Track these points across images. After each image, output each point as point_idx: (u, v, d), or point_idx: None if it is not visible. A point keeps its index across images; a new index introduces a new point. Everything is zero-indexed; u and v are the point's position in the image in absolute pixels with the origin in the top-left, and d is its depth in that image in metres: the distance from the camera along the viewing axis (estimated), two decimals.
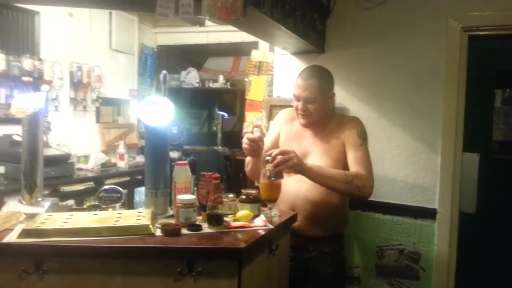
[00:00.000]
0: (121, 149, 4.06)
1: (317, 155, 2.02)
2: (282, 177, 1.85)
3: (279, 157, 1.79)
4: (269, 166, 1.82)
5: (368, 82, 2.69)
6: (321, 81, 2.01)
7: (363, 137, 2.02)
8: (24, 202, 1.73)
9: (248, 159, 2.15)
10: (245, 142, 1.97)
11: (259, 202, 1.81)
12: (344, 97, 2.74)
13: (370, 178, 1.93)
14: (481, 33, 2.45)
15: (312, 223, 1.99)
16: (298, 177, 1.97)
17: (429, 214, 2.52)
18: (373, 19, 2.66)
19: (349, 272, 2.69)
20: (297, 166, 1.83)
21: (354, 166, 1.94)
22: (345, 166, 1.98)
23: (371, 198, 2.61)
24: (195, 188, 1.78)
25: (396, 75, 2.61)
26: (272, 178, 1.82)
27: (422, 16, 2.53)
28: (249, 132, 3.54)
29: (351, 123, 2.06)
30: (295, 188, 2.01)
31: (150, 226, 1.50)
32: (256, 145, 1.94)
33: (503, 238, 2.45)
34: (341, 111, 2.69)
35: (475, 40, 2.46)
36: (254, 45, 3.88)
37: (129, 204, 3.61)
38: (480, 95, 2.48)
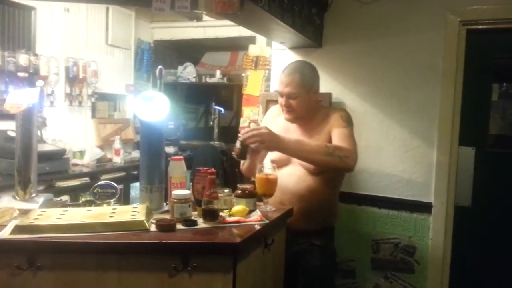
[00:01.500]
0: (117, 144, 4.05)
1: None
2: (245, 158, 1.86)
3: (249, 133, 1.81)
4: (238, 144, 1.83)
5: (365, 76, 2.68)
6: (302, 76, 2.00)
7: (347, 121, 2.03)
8: (18, 198, 1.72)
9: (245, 167, 2.15)
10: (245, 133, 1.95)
11: (254, 197, 1.81)
12: (341, 92, 2.73)
13: (353, 151, 1.92)
14: (480, 27, 2.44)
15: (301, 217, 1.98)
16: (287, 172, 1.97)
17: (424, 207, 2.52)
18: (371, 14, 2.65)
19: (344, 266, 2.70)
20: (271, 142, 1.83)
21: (337, 142, 1.94)
22: None
23: (367, 192, 2.65)
24: (190, 183, 1.78)
25: (394, 70, 2.60)
26: (234, 155, 1.83)
27: (420, 10, 2.52)
28: (246, 127, 3.54)
29: (336, 112, 2.07)
30: (284, 183, 1.99)
31: (145, 222, 1.50)
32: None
33: (498, 232, 2.45)
34: (338, 106, 2.68)
35: (474, 34, 2.45)
36: (251, 40, 3.87)
37: (125, 199, 3.65)
38: (477, 89, 2.48)
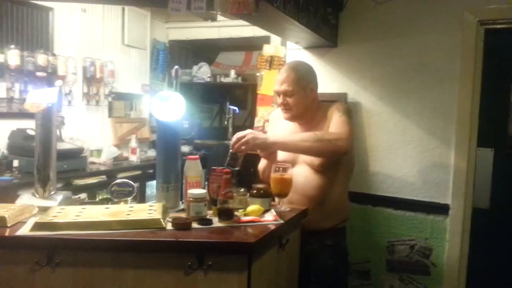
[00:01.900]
0: (133, 143, 4.10)
1: None
2: (238, 165, 1.84)
3: (236, 141, 1.82)
4: (229, 154, 1.84)
5: (381, 76, 2.66)
6: (297, 74, 2.01)
7: (343, 111, 2.02)
8: (37, 196, 1.76)
9: (262, 165, 2.16)
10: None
11: (269, 197, 1.81)
12: (357, 92, 2.71)
13: (344, 134, 1.91)
14: (498, 26, 2.40)
15: (311, 218, 1.97)
16: (294, 172, 1.97)
17: (441, 209, 2.49)
18: (386, 13, 2.63)
19: (359, 267, 2.68)
20: (258, 145, 1.85)
21: (334, 130, 1.95)
22: None
23: (382, 193, 2.63)
24: (206, 182, 1.79)
25: (410, 70, 2.57)
26: (227, 164, 1.81)
27: (437, 9, 2.49)
28: (260, 127, 3.54)
29: (333, 105, 2.07)
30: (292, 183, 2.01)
31: (161, 220, 1.51)
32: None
33: None
34: (354, 106, 2.67)
35: (492, 34, 2.41)
36: (266, 40, 3.86)
37: (141, 197, 3.69)
38: (496, 90, 2.44)
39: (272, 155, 2.05)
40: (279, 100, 2.06)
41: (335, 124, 1.97)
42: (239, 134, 1.85)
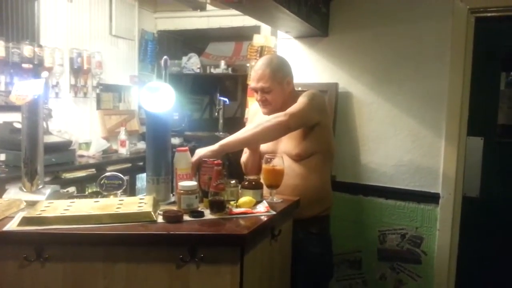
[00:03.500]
0: (122, 135, 4.05)
1: (286, 138, 2.03)
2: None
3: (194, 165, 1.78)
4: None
5: (372, 66, 2.65)
6: (272, 69, 2.02)
7: (306, 95, 2.01)
8: (24, 190, 1.72)
9: (244, 159, 2.16)
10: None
11: (261, 188, 1.80)
12: (348, 82, 2.70)
13: (292, 110, 1.91)
14: (489, 14, 2.40)
15: None
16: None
17: (432, 198, 2.51)
18: (377, 2, 2.62)
19: (350, 256, 2.69)
20: (207, 156, 1.80)
21: None
22: (316, 139, 2.01)
23: (374, 183, 2.64)
24: (197, 174, 1.77)
25: (401, 59, 2.57)
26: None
27: None
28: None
29: (302, 94, 2.06)
30: None
31: (152, 213, 1.49)
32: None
33: (506, 222, 2.44)
34: (345, 96, 2.66)
35: (482, 22, 2.41)
36: (256, 30, 3.83)
37: (131, 190, 3.66)
38: (486, 78, 2.45)
39: (253, 147, 2.06)
40: (257, 96, 2.06)
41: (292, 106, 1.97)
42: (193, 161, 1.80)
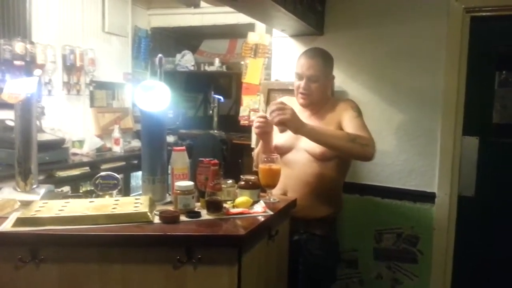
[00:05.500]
0: (116, 133, 4.02)
1: None
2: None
3: (276, 112, 1.76)
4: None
5: (367, 65, 2.65)
6: (325, 61, 2.03)
7: (358, 111, 2.02)
8: (18, 189, 1.70)
9: (256, 153, 2.14)
10: (256, 121, 1.93)
11: (258, 188, 1.79)
12: (343, 81, 2.69)
13: (372, 141, 1.90)
14: (484, 14, 2.40)
15: (304, 204, 1.97)
16: (291, 158, 1.96)
17: (428, 197, 2.51)
18: (373, 1, 2.61)
19: (347, 256, 2.69)
20: (292, 122, 1.77)
21: (352, 131, 1.92)
22: None
23: (370, 182, 2.64)
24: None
25: (397, 58, 2.56)
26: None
27: None
28: (246, 116, 3.51)
29: (345, 102, 2.08)
30: (288, 169, 2.00)
31: (148, 214, 1.48)
32: (266, 120, 1.89)
33: (502, 222, 2.44)
34: (340, 95, 2.65)
35: (478, 21, 2.41)
36: (251, 27, 3.81)
37: (126, 188, 3.63)
38: (481, 78, 2.45)
39: (268, 138, 2.02)
40: (299, 83, 2.01)
41: (356, 126, 1.93)
42: (281, 105, 1.78)
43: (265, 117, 1.90)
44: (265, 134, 1.98)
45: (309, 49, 2.11)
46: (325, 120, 2.03)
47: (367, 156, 1.89)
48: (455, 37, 2.42)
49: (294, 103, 2.08)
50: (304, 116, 2.07)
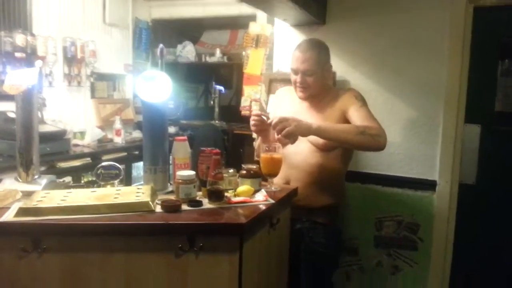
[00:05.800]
0: (117, 124, 4.03)
1: None
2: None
3: (280, 125, 1.77)
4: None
5: (370, 54, 2.63)
6: (319, 53, 2.00)
7: (361, 100, 2.01)
8: (20, 180, 1.71)
9: (257, 145, 2.15)
10: (252, 119, 1.94)
11: (259, 177, 1.80)
12: (345, 70, 2.68)
13: (382, 129, 1.89)
14: (487, 3, 2.38)
15: (306, 193, 1.98)
16: (294, 148, 1.95)
17: (429, 185, 2.51)
18: None
19: (347, 244, 2.70)
20: (298, 130, 1.78)
21: (360, 122, 1.91)
22: None
23: (371, 170, 2.64)
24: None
25: (399, 47, 2.55)
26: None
27: None
28: (247, 107, 3.50)
29: (347, 92, 2.07)
30: (291, 159, 2.01)
31: (150, 203, 1.48)
32: (261, 119, 1.91)
33: (503, 210, 2.45)
34: (342, 84, 2.64)
35: (481, 11, 2.40)
36: (252, 18, 3.79)
37: (127, 179, 3.64)
38: (483, 66, 2.44)
39: (266, 134, 2.02)
40: (296, 78, 2.01)
41: (363, 116, 1.92)
42: (282, 119, 1.78)
43: (260, 116, 1.91)
44: (262, 131, 2.00)
45: (302, 42, 2.07)
46: (326, 111, 2.02)
47: (379, 146, 1.89)
48: (458, 27, 2.41)
49: (293, 93, 2.08)
50: (303, 107, 2.07)
